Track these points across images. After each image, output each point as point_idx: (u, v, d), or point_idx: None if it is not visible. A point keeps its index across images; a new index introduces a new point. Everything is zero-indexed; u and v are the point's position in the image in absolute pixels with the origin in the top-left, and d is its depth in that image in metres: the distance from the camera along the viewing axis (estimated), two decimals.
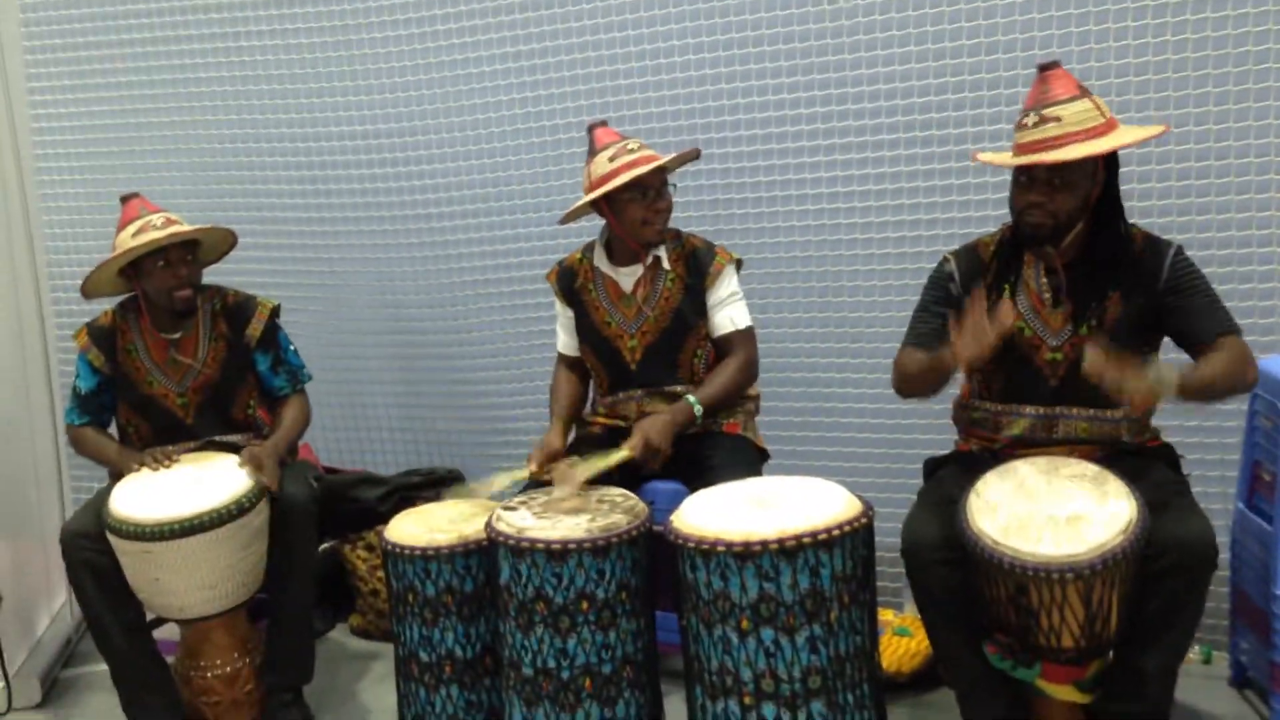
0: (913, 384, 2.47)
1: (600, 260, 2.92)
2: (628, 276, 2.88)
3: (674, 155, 2.83)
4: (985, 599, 2.21)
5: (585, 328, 2.93)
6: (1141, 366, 2.14)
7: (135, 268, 2.88)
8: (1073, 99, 2.23)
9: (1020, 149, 2.26)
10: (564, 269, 2.98)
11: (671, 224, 2.88)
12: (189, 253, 2.89)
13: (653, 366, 2.86)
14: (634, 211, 2.77)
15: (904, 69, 3.17)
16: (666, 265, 2.85)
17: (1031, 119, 2.24)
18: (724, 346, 2.86)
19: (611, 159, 2.75)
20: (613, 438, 2.84)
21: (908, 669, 2.83)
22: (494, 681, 2.59)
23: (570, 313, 2.97)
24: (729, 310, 2.85)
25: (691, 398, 2.77)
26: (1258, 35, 2.82)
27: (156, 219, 2.85)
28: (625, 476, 2.73)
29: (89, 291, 2.96)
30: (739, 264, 2.91)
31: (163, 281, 2.85)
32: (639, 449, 2.66)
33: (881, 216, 3.27)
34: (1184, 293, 2.30)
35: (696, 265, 2.86)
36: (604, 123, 2.87)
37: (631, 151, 2.76)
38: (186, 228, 2.87)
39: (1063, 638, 2.14)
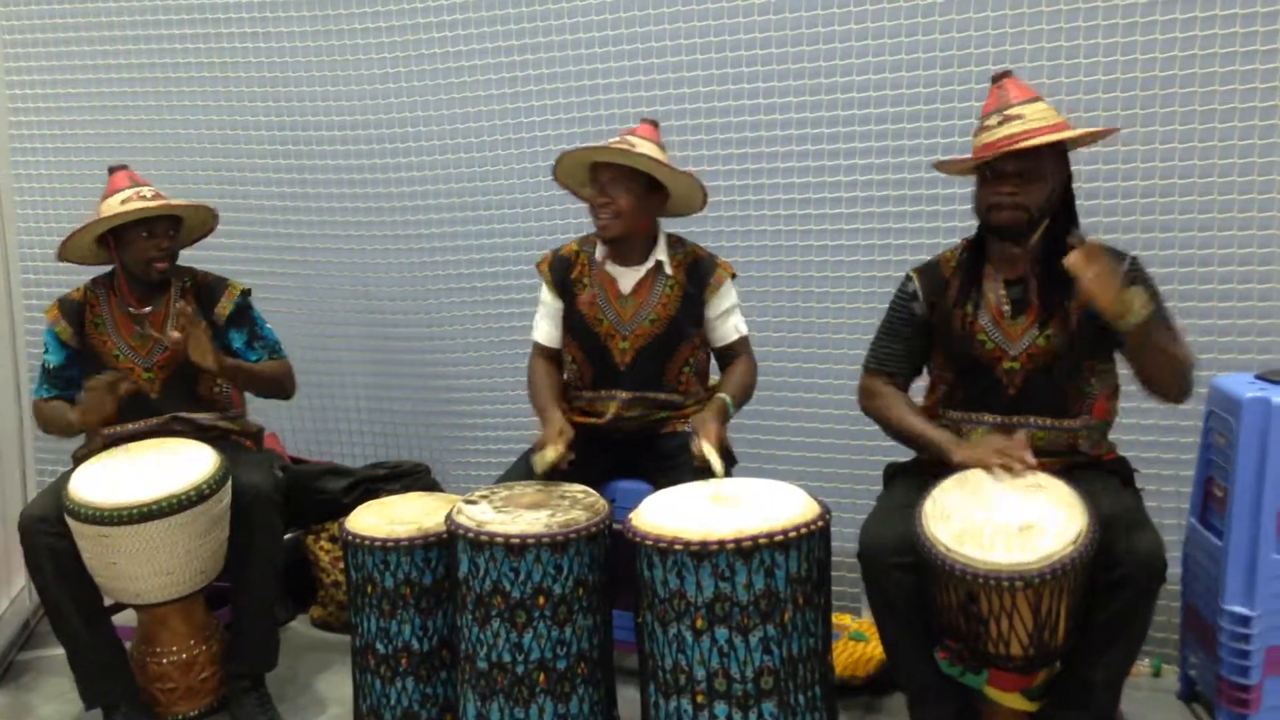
0: (881, 425, 2.53)
1: (601, 256, 2.89)
2: (628, 277, 2.85)
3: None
4: (937, 605, 2.23)
5: (573, 322, 2.90)
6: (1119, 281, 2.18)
7: (117, 236, 2.91)
8: (1032, 101, 2.30)
9: (984, 149, 2.31)
10: (559, 259, 2.93)
11: (652, 228, 2.86)
12: (172, 227, 2.94)
13: (641, 370, 2.85)
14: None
15: (877, 78, 3.20)
16: (669, 270, 2.85)
17: (994, 120, 2.30)
18: (730, 353, 2.91)
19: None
20: (588, 436, 2.83)
21: (863, 673, 2.85)
22: (450, 675, 2.59)
23: (559, 304, 2.92)
24: (733, 319, 2.89)
25: (723, 396, 2.79)
26: (1223, 57, 2.86)
27: (146, 191, 2.91)
28: (592, 474, 2.73)
29: (65, 254, 2.96)
30: (733, 276, 2.91)
31: (143, 251, 2.89)
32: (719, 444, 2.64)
33: (851, 224, 3.31)
34: None
35: (698, 275, 2.85)
36: (654, 123, 2.84)
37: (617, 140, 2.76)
38: (177, 201, 2.93)
39: (1011, 646, 2.16)
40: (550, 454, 2.64)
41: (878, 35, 3.19)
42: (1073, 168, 2.39)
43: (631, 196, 2.74)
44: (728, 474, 2.73)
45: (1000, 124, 2.28)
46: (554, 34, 3.54)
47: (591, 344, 2.88)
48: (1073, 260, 2.16)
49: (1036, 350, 2.38)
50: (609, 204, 2.75)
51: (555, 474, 2.64)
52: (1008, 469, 2.25)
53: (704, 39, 3.37)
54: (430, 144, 3.75)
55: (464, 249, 3.80)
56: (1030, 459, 2.26)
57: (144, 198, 2.87)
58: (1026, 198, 2.30)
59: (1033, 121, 2.26)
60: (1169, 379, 2.32)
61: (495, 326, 3.77)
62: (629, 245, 2.83)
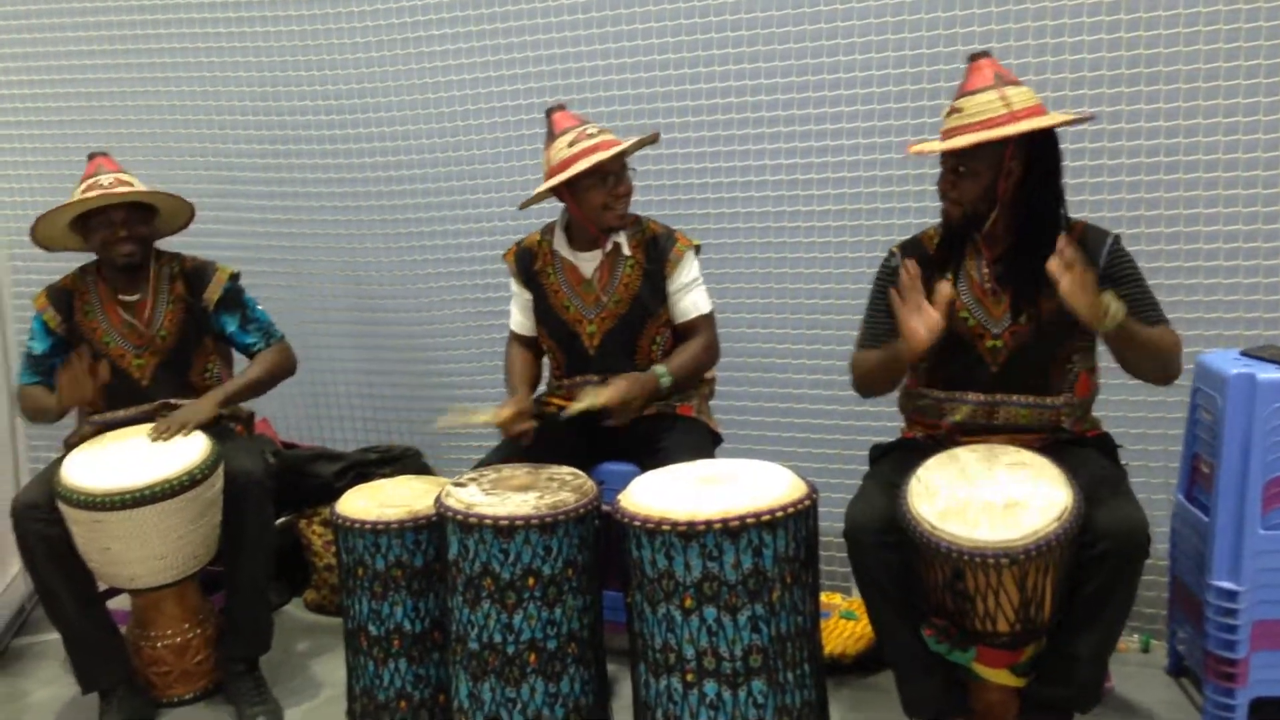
0: (872, 382, 2.52)
1: (560, 244, 2.91)
2: (588, 262, 2.88)
3: (634, 140, 2.82)
4: (923, 583, 2.25)
5: (543, 311, 2.93)
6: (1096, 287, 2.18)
7: (84, 223, 2.90)
8: (983, 90, 2.29)
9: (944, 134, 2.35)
10: (522, 250, 2.97)
11: (630, 209, 2.88)
12: (134, 215, 2.91)
13: (611, 352, 2.87)
14: (595, 197, 2.77)
15: (864, 58, 3.19)
16: (627, 251, 2.85)
17: (947, 109, 2.34)
18: (687, 331, 2.88)
19: (571, 144, 2.74)
20: (574, 421, 2.84)
21: (853, 652, 2.87)
22: (442, 656, 2.61)
23: (527, 295, 2.96)
24: (692, 296, 2.87)
25: (660, 368, 2.79)
26: (1208, 34, 2.86)
27: (106, 178, 2.88)
28: (580, 456, 2.75)
29: (39, 238, 2.97)
30: (697, 249, 2.92)
31: (103, 238, 2.89)
32: (615, 402, 2.68)
33: (839, 204, 3.30)
34: (1120, 281, 2.33)
35: (656, 252, 2.86)
36: (562, 106, 2.86)
37: (591, 136, 2.75)
38: (132, 190, 2.89)
39: (998, 622, 2.18)
40: (504, 414, 2.73)
41: (863, 15, 3.18)
42: (1059, 147, 2.37)
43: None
44: (711, 455, 2.75)
45: (948, 114, 2.31)
46: (537, 16, 3.53)
47: (561, 331, 2.91)
48: (1052, 266, 2.16)
49: (1019, 328, 2.39)
50: (629, 193, 2.81)
51: (543, 457, 2.66)
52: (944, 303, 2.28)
53: (686, 20, 3.36)
54: (418, 128, 3.74)
55: (452, 233, 3.80)
56: (946, 287, 2.30)
57: (103, 186, 2.85)
58: (959, 193, 2.34)
59: (967, 116, 2.27)
60: (1152, 370, 2.34)
61: (484, 311, 3.77)
62: (585, 229, 2.84)
